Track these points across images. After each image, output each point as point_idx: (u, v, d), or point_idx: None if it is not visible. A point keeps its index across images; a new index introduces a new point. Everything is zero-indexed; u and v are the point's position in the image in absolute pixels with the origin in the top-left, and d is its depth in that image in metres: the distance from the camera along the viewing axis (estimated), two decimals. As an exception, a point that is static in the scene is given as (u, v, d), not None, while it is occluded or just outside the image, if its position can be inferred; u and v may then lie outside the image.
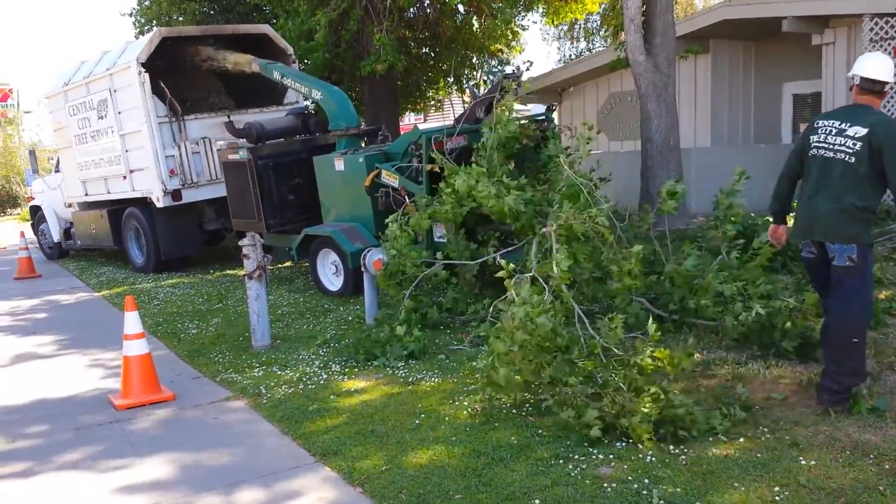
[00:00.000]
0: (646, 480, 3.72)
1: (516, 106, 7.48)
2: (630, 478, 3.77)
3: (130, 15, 17.57)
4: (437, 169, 7.53)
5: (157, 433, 5.10)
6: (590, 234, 5.80)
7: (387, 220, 7.18)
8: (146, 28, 16.56)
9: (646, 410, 4.08)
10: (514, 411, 4.73)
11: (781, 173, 4.76)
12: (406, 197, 7.80)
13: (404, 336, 6.16)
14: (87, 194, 12.79)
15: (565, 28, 29.26)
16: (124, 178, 11.54)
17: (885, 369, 4.87)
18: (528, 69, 8.56)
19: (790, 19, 12.00)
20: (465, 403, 4.96)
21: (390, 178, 8.02)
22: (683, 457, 3.93)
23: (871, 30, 10.98)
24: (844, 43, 12.03)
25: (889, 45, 10.85)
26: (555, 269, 5.13)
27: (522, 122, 7.66)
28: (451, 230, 7.21)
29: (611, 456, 4.02)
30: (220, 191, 10.80)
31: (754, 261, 5.58)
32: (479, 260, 6.89)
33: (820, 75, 12.51)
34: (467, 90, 15.78)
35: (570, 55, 32.08)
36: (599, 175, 7.11)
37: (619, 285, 5.64)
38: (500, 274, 4.99)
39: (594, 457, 4.02)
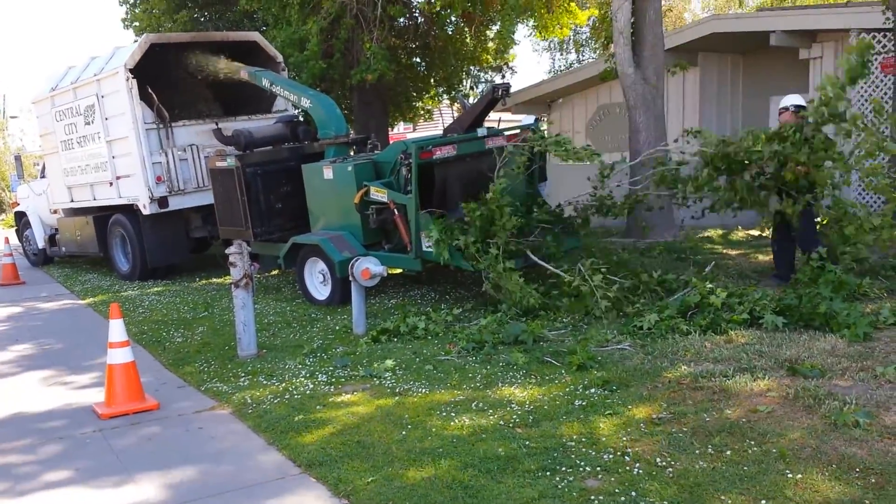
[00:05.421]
0: (633, 493, 3.71)
1: (507, 116, 7.62)
2: (617, 490, 3.75)
3: (124, 21, 17.56)
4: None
5: (140, 443, 5.05)
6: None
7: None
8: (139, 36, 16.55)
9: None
10: (501, 423, 4.72)
11: None
12: (396, 209, 7.79)
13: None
14: (72, 200, 12.71)
15: (556, 39, 29.43)
16: (110, 184, 11.48)
17: (870, 381, 4.88)
18: (512, 75, 8.82)
19: (778, 33, 12.10)
20: (453, 415, 4.94)
21: (379, 194, 7.99)
22: (670, 469, 3.92)
23: (858, 45, 11.07)
24: (831, 57, 12.14)
25: (876, 59, 10.96)
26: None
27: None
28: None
29: (598, 468, 4.00)
30: (207, 198, 10.76)
31: None
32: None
33: (807, 89, 12.61)
34: (458, 100, 15.80)
35: (560, 66, 32.25)
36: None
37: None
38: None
39: (581, 469, 4.01)
